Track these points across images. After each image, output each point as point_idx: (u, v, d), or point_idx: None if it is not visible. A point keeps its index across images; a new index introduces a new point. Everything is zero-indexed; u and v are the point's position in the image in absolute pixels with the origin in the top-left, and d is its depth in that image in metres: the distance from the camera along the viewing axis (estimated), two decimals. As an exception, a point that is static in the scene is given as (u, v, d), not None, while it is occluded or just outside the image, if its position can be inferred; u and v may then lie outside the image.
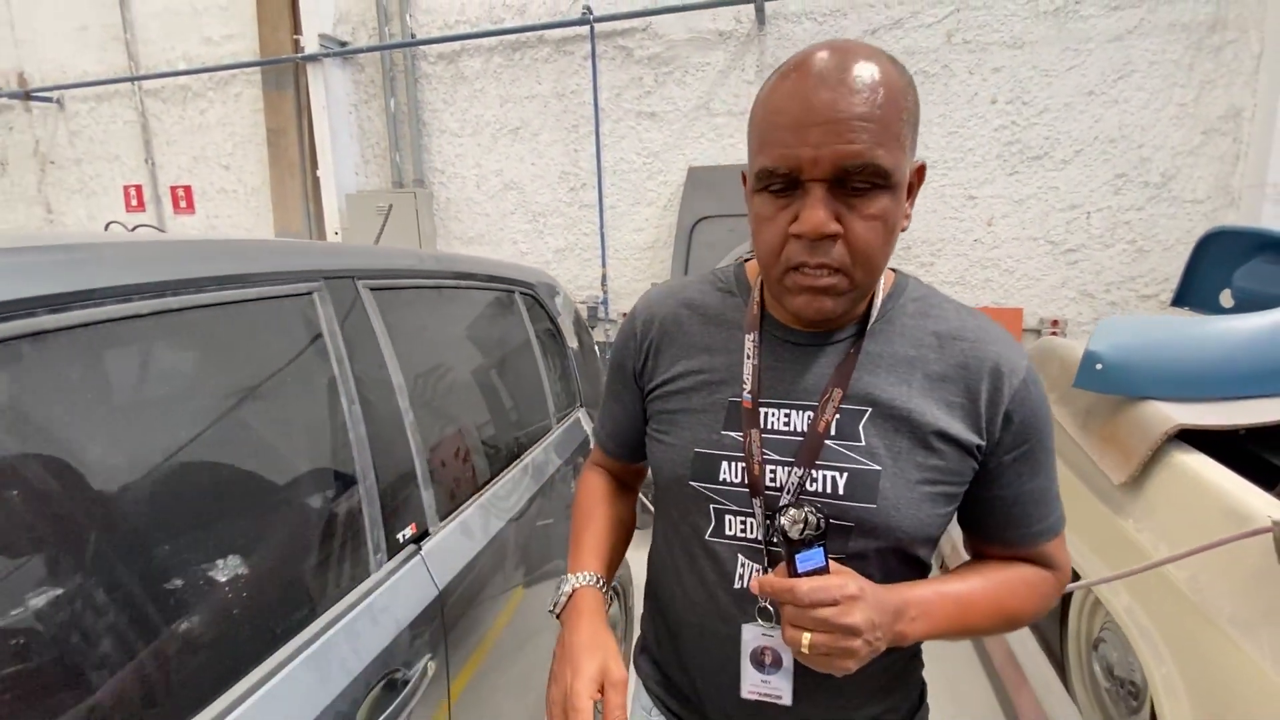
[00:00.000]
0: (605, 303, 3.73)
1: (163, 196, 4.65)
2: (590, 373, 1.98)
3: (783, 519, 0.59)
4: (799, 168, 0.56)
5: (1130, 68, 2.78)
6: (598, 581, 0.75)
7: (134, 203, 4.71)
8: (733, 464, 0.67)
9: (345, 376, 0.94)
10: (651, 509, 0.82)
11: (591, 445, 0.90)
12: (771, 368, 0.68)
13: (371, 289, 1.07)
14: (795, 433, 0.66)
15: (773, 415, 0.67)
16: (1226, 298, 2.44)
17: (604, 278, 3.70)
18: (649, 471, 0.79)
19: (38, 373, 0.58)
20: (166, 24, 4.36)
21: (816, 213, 0.56)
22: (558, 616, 0.73)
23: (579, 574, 0.75)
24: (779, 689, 0.68)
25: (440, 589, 0.99)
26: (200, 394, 0.75)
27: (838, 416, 0.65)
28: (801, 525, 0.59)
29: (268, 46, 3.98)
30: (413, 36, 3.72)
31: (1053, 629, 2.36)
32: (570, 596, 0.73)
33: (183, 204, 4.58)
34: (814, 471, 0.64)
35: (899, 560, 0.68)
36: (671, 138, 3.52)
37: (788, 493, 0.64)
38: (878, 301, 0.67)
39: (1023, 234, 3.05)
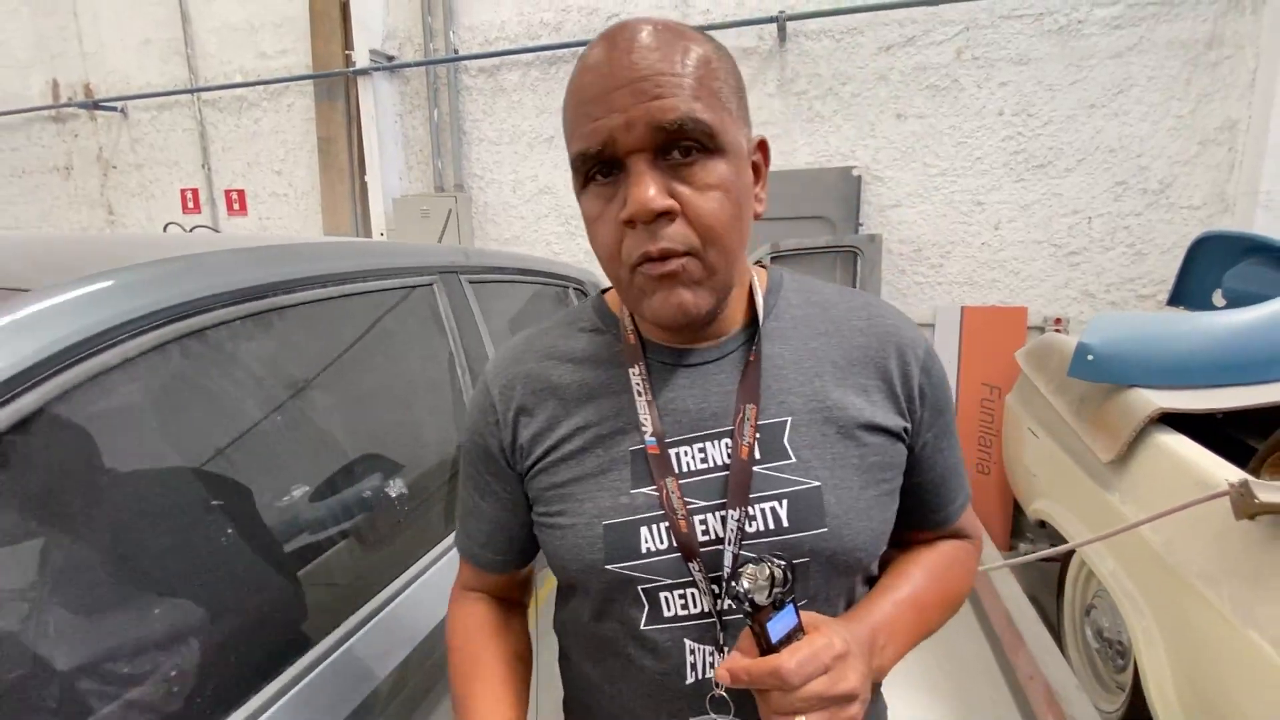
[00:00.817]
0: (633, 301, 3.98)
1: (217, 199, 4.97)
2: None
3: (743, 582, 0.47)
4: (611, 139, 0.48)
5: (1130, 82, 2.96)
6: None
7: (190, 205, 5.04)
8: (654, 527, 0.54)
9: (458, 350, 1.19)
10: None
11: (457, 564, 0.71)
12: (669, 400, 0.57)
13: (470, 282, 1.32)
14: (717, 467, 0.55)
15: (685, 454, 0.56)
16: (1218, 297, 2.63)
17: (632, 277, 3.94)
18: (534, 576, 0.68)
19: (276, 330, 0.83)
20: (224, 39, 4.67)
21: (641, 189, 0.48)
22: None
23: None
24: None
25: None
26: (369, 354, 1.00)
27: (758, 436, 0.55)
28: (768, 584, 0.46)
29: (320, 60, 4.27)
30: (455, 52, 4.00)
31: (1050, 600, 2.56)
32: None
33: (236, 206, 4.89)
34: (750, 508, 0.53)
35: (862, 584, 0.62)
36: (697, 146, 3.75)
37: (730, 543, 0.53)
38: (759, 299, 0.60)
39: (1028, 237, 3.25)
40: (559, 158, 4.00)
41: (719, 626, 0.53)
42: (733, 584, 0.47)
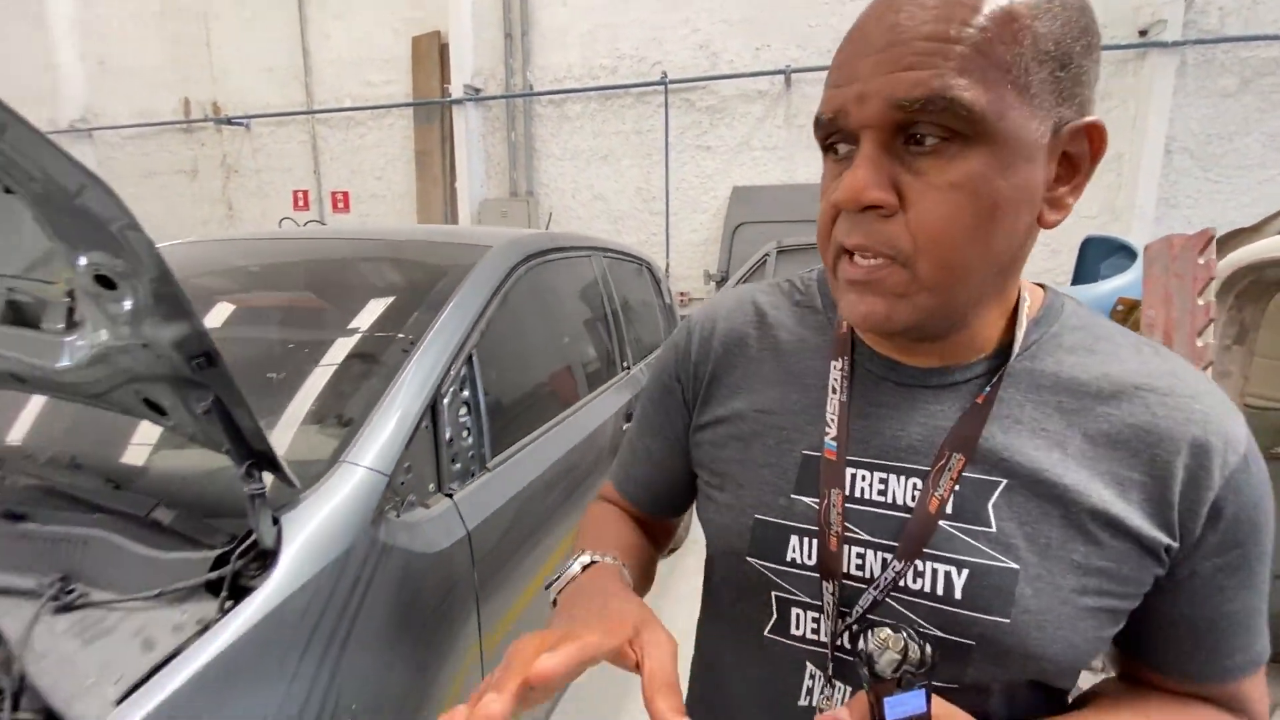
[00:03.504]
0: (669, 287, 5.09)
1: (324, 199, 6.07)
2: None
3: (871, 643, 0.42)
4: (844, 110, 0.40)
5: (1108, 92, 3.99)
6: (617, 561, 0.54)
7: (300, 203, 6.14)
8: (805, 539, 0.48)
9: (611, 299, 2.26)
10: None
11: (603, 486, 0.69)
12: (865, 413, 0.48)
13: (603, 257, 2.38)
14: (895, 506, 0.46)
15: (863, 478, 0.47)
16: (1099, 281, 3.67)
17: (667, 267, 5.00)
18: (676, 534, 0.61)
19: (564, 267, 1.91)
20: (337, 69, 5.77)
21: (856, 173, 0.39)
22: (554, 601, 0.52)
23: (593, 551, 0.54)
24: None
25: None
26: (579, 296, 2.07)
27: (957, 489, 0.44)
28: (899, 657, 0.41)
29: (420, 90, 5.37)
30: (530, 88, 5.07)
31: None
32: (581, 572, 0.53)
33: (340, 205, 5.99)
34: (919, 563, 0.44)
35: (1031, 691, 0.47)
36: (721, 165, 4.81)
37: (875, 588, 0.45)
38: (1021, 327, 0.46)
39: (972, 239, 4.29)
40: (610, 172, 5.07)
41: (829, 659, 0.46)
42: (864, 639, 0.42)
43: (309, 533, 0.93)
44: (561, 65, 5.03)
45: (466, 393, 1.32)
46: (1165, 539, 0.43)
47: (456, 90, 5.11)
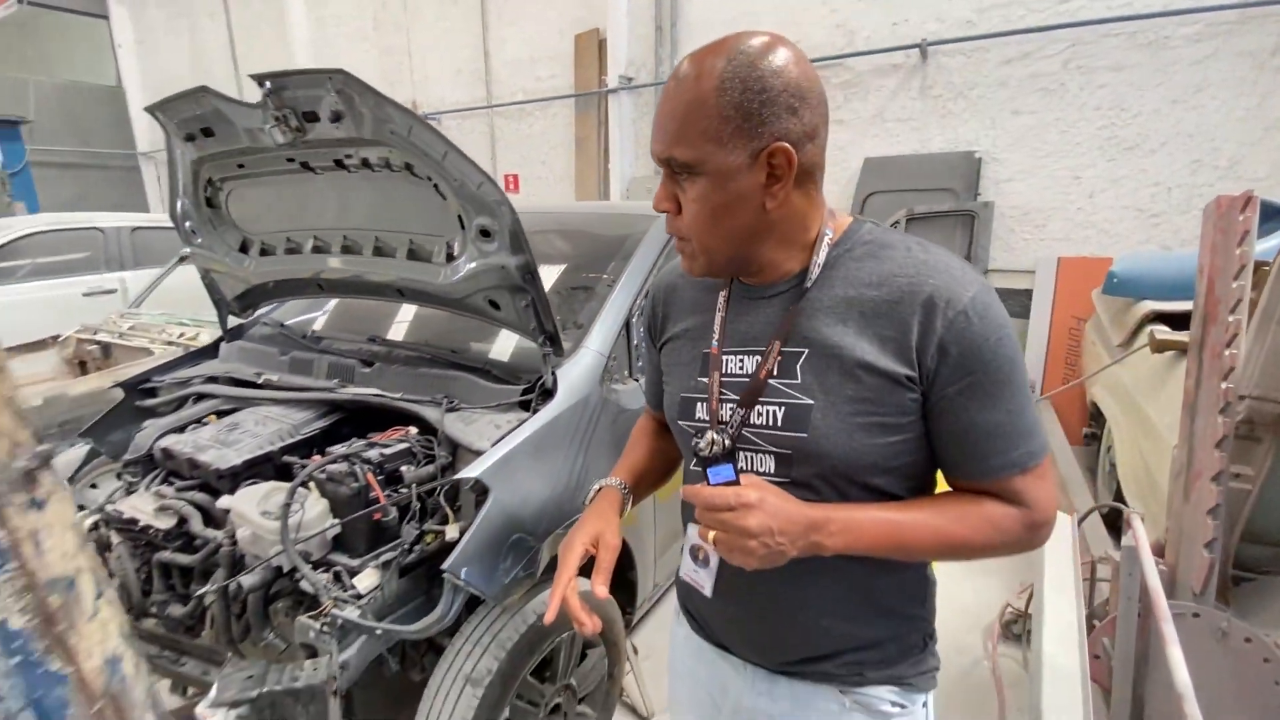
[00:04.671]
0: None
1: (499, 181, 7.07)
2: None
3: (700, 441, 0.74)
4: (652, 154, 0.74)
5: (1207, 82, 3.85)
6: (621, 485, 0.94)
7: (479, 186, 7.19)
8: (701, 404, 0.81)
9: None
10: None
11: None
12: (733, 320, 0.81)
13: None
14: (746, 374, 0.77)
15: (732, 361, 0.79)
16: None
17: (798, 236, 5.36)
18: None
19: None
20: (512, 69, 6.69)
21: (658, 191, 0.74)
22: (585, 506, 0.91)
23: (609, 479, 0.95)
24: (702, 581, 0.84)
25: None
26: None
27: (778, 359, 0.74)
28: (710, 445, 0.72)
29: (580, 82, 6.11)
30: (677, 73, 5.62)
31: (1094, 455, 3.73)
32: (597, 492, 0.94)
33: (511, 186, 6.95)
34: (758, 408, 0.75)
35: (859, 489, 0.74)
36: (853, 137, 5.06)
37: (731, 427, 0.76)
38: (820, 253, 0.75)
39: (1117, 204, 4.23)
40: (748, 148, 5.49)
41: (703, 475, 0.71)
42: (696, 440, 0.75)
43: (569, 381, 1.60)
44: (705, 52, 5.51)
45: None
46: (907, 371, 0.69)
47: (612, 80, 5.78)
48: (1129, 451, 2.87)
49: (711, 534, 0.68)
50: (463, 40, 6.95)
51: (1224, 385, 1.58)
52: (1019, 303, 4.65)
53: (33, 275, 5.01)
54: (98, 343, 3.81)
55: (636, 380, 1.82)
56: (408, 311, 2.15)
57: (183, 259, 4.65)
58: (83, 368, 3.90)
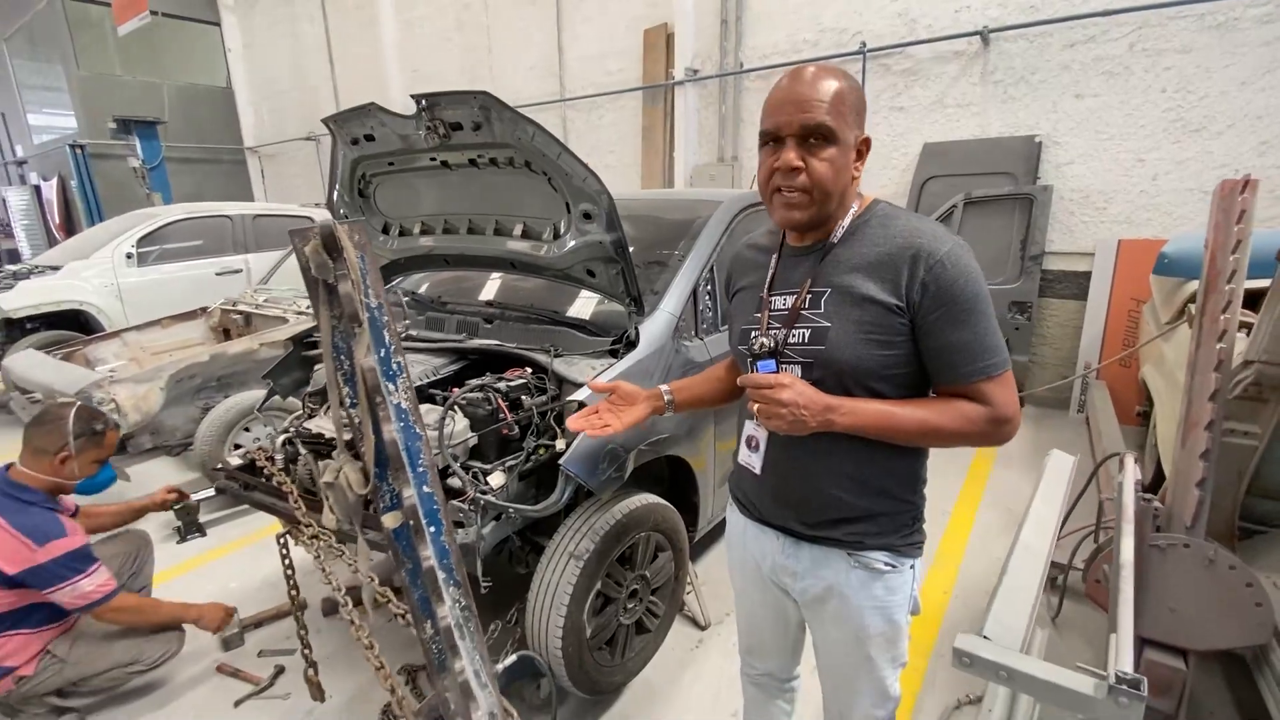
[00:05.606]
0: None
1: (569, 170, 7.53)
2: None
3: (753, 344, 1.03)
4: (779, 127, 0.99)
5: (1277, 64, 3.83)
6: (668, 391, 1.35)
7: (551, 175, 7.67)
8: (754, 332, 1.10)
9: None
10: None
11: None
12: (780, 272, 1.13)
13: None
14: (785, 309, 1.09)
15: (777, 300, 1.11)
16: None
17: (856, 220, 5.56)
18: None
19: (758, 220, 2.81)
20: (584, 64, 7.10)
21: (789, 154, 0.98)
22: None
23: (663, 385, 1.36)
24: (754, 463, 1.18)
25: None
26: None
27: (808, 296, 1.05)
28: (759, 345, 1.02)
29: (648, 75, 6.46)
30: (740, 66, 5.87)
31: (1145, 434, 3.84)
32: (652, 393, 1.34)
33: (581, 175, 7.38)
34: (794, 330, 1.06)
35: (862, 391, 1.03)
36: (913, 123, 5.21)
37: (776, 342, 1.05)
38: (845, 222, 1.06)
39: (1181, 186, 4.25)
40: (808, 135, 5.70)
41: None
42: (751, 344, 1.04)
43: (648, 334, 2.00)
44: (768, 43, 5.74)
45: (709, 286, 2.30)
46: (898, 303, 0.99)
47: (679, 73, 6.09)
48: (1168, 424, 3.01)
49: (756, 406, 0.97)
50: (538, 38, 7.40)
51: (1219, 345, 1.80)
52: (1077, 285, 4.72)
53: (177, 257, 5.82)
54: (240, 313, 4.48)
55: (701, 339, 2.19)
56: (508, 282, 2.59)
57: (301, 243, 5.30)
58: (226, 334, 4.59)
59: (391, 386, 0.78)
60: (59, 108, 11.57)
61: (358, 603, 1.42)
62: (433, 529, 0.84)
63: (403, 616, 1.25)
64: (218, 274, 5.96)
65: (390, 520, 0.81)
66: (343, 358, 0.75)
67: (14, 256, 12.85)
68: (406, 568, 0.84)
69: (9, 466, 1.93)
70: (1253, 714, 1.98)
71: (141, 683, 2.18)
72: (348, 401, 0.77)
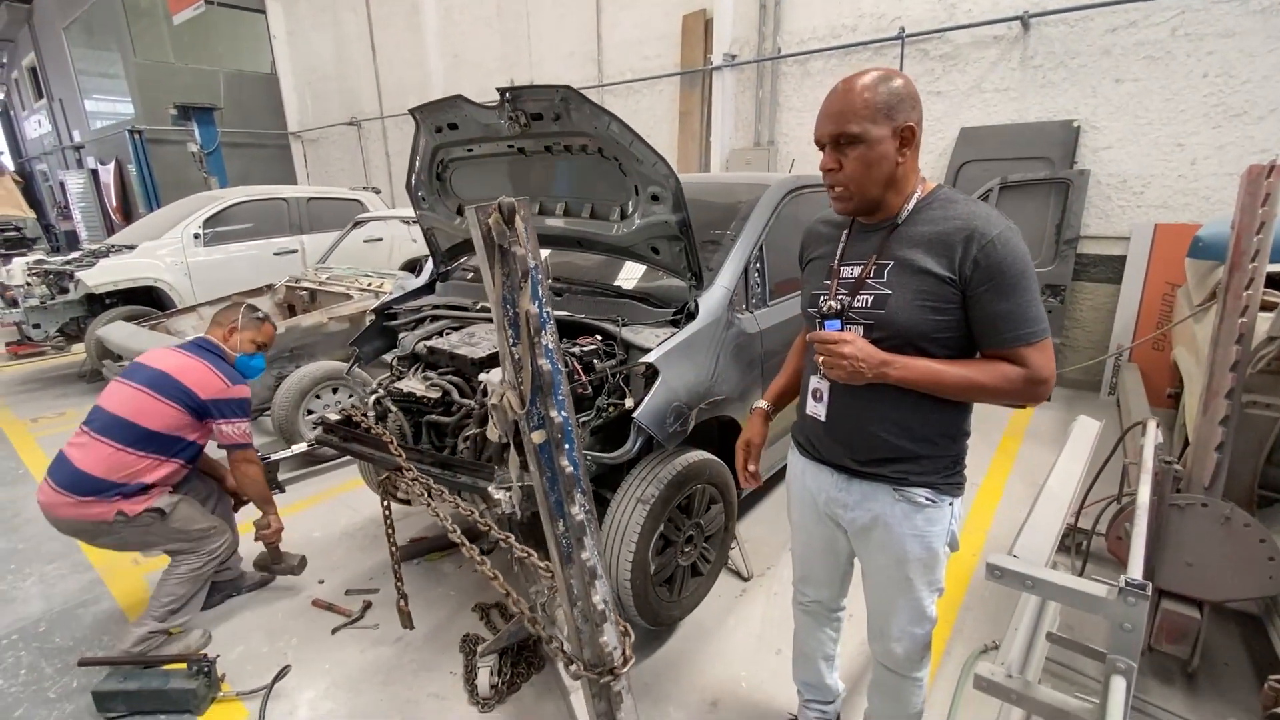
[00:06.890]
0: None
1: (606, 155, 7.70)
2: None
3: (823, 307, 1.22)
4: (823, 136, 1.18)
5: (1323, 47, 3.83)
6: (768, 405, 1.54)
7: (587, 159, 7.85)
8: (823, 296, 1.27)
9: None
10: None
11: None
12: (850, 245, 1.29)
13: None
14: (853, 278, 1.24)
15: (846, 270, 1.27)
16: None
17: (891, 204, 5.65)
18: None
19: (803, 202, 2.97)
20: (621, 49, 7.24)
21: (825, 159, 1.19)
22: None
23: (761, 400, 1.55)
24: (819, 412, 1.35)
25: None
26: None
27: (874, 268, 1.21)
28: (827, 308, 1.21)
29: (687, 60, 6.58)
30: (778, 51, 5.97)
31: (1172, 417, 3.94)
32: (754, 409, 1.56)
33: (617, 159, 7.55)
34: (859, 296, 1.22)
35: (915, 351, 1.18)
36: (950, 107, 5.27)
37: (842, 304, 1.22)
38: (910, 204, 1.20)
39: (1220, 170, 4.28)
40: (844, 120, 5.79)
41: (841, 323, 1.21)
42: (821, 306, 1.24)
43: (706, 306, 2.20)
44: (807, 28, 5.82)
45: (759, 265, 2.49)
46: (952, 275, 1.14)
47: (717, 58, 6.21)
48: (1196, 400, 3.12)
49: (821, 358, 1.16)
50: (576, 24, 7.55)
51: (1240, 320, 1.93)
52: (1112, 269, 4.78)
53: (238, 238, 6.16)
54: (305, 289, 4.78)
55: (751, 312, 2.38)
56: (572, 260, 2.81)
57: (357, 224, 5.61)
58: (290, 310, 4.90)
59: (544, 330, 1.00)
60: (115, 94, 12.08)
61: (472, 538, 1.65)
62: (568, 445, 1.06)
63: (481, 562, 1.45)
64: (275, 254, 6.29)
65: (538, 436, 1.03)
66: (508, 306, 0.96)
67: (72, 237, 13.50)
68: (547, 475, 1.06)
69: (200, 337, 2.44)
70: (1264, 666, 2.13)
71: (247, 610, 2.48)
72: (510, 340, 0.98)
